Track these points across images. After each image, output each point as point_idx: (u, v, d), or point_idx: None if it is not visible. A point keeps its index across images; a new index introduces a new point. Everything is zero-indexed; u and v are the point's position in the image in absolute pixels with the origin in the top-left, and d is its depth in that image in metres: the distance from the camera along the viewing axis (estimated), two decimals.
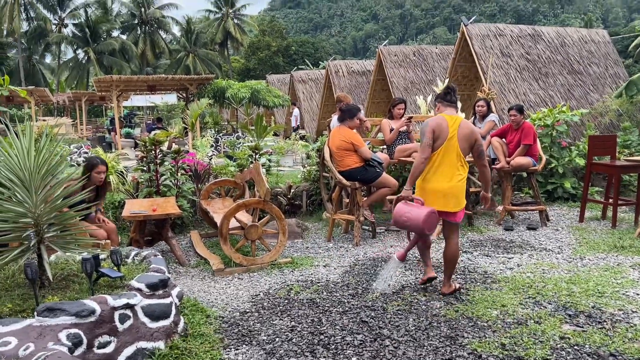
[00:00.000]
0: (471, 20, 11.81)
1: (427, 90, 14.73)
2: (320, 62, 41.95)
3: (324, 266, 5.15)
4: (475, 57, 11.15)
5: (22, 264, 3.16)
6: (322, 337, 3.45)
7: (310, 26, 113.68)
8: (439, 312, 3.85)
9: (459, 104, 8.10)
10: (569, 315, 3.71)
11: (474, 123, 7.42)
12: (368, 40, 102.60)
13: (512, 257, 5.27)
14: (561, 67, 11.44)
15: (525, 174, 7.41)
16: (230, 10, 52.03)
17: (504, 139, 6.99)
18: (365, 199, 6.27)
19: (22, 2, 43.14)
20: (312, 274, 4.89)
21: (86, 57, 45.60)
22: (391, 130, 6.90)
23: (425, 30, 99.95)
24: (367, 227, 6.47)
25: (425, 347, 3.29)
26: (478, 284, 4.47)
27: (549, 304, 3.94)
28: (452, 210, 4.07)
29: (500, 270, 4.86)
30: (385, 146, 7.11)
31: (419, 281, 4.53)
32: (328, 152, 6.22)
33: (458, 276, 4.67)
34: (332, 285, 4.52)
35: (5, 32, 43.47)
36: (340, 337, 3.45)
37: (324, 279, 4.71)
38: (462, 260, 5.17)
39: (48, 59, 50.73)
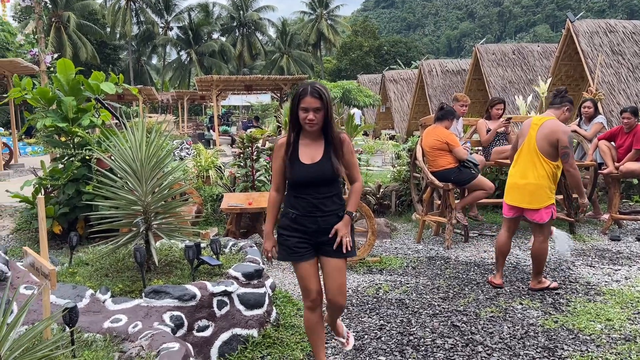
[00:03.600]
0: (578, 17, 11.10)
1: (527, 90, 14.04)
2: (412, 62, 41.36)
3: (413, 267, 5.07)
4: (582, 56, 10.47)
5: (132, 248, 3.42)
6: (411, 338, 3.41)
7: (404, 26, 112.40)
8: (536, 322, 3.66)
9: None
10: None
11: (579, 125, 6.97)
12: (463, 39, 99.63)
13: (619, 269, 4.89)
14: None
15: (636, 181, 6.83)
16: (324, 12, 52.77)
17: (612, 143, 6.50)
18: (458, 201, 6.10)
19: (134, 7, 46.55)
20: (401, 275, 4.84)
21: (188, 58, 48.34)
22: (488, 131, 6.65)
23: (525, 28, 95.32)
24: (459, 231, 6.29)
25: (520, 357, 3.14)
26: (580, 295, 4.19)
27: None
28: (528, 207, 4.15)
29: (606, 282, 4.52)
30: (480, 147, 6.87)
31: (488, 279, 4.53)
32: (420, 151, 6.12)
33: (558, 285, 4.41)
34: (422, 287, 4.44)
35: (118, 36, 47.15)
36: (430, 339, 3.38)
37: (413, 281, 4.65)
38: (562, 270, 4.88)
39: (154, 60, 54.31)
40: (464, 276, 4.76)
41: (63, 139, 5.92)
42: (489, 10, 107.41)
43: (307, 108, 2.56)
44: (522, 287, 4.40)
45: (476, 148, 7.06)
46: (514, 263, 5.15)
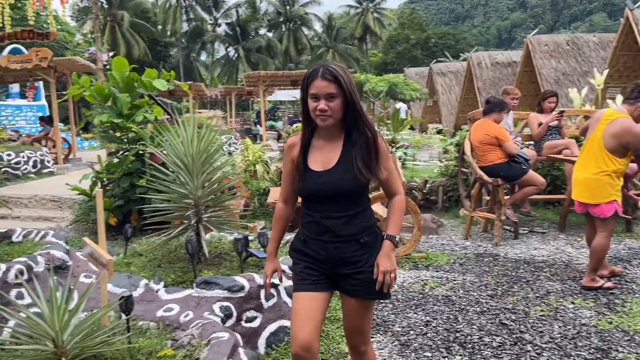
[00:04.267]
0: (638, 4, 10.56)
1: (582, 83, 13.51)
2: (460, 54, 40.48)
3: (460, 264, 5.01)
4: None
5: (184, 240, 3.53)
6: (458, 335, 3.38)
7: (452, 17, 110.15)
8: (588, 322, 3.55)
9: (619, 97, 7.35)
10: None
11: None
12: (514, 30, 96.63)
13: None
14: None
15: None
16: (371, 5, 52.38)
17: None
18: (507, 197, 5.96)
19: (184, 5, 47.66)
20: (447, 271, 4.79)
21: (236, 54, 49.10)
22: (540, 124, 6.46)
23: (580, 17, 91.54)
24: (508, 227, 6.15)
25: (572, 357, 3.05)
26: (637, 295, 4.03)
27: None
28: (587, 202, 4.08)
29: None
30: (532, 142, 6.68)
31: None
32: (469, 146, 6.01)
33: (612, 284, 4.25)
34: (469, 284, 4.38)
35: (169, 33, 48.41)
36: (477, 337, 3.34)
37: (460, 277, 4.59)
38: (619, 268, 4.69)
39: (203, 57, 55.43)
40: (513, 274, 4.65)
41: (118, 134, 6.16)
42: None
43: (317, 95, 1.97)
44: (574, 286, 4.27)
45: (527, 142, 6.87)
46: (566, 261, 5.00)
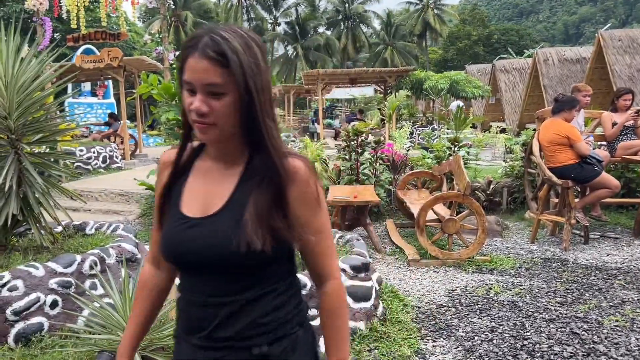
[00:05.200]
0: None
1: None
2: (524, 51, 39.07)
3: (526, 269, 4.81)
4: None
5: None
6: (525, 342, 3.24)
7: (515, 12, 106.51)
8: None
9: None
10: None
11: None
12: (582, 24, 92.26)
13: None
14: None
15: None
16: (431, 1, 51.42)
17: None
18: (578, 199, 5.67)
19: (245, 4, 48.63)
20: (513, 275, 4.61)
21: (295, 53, 49.56)
22: (614, 124, 6.11)
23: None
24: (578, 232, 5.86)
25: None
26: None
27: None
28: None
29: None
30: (605, 142, 6.33)
31: None
32: (537, 146, 5.77)
33: None
34: (537, 290, 4.20)
35: None
36: (546, 345, 3.19)
37: (526, 283, 4.41)
38: None
39: None
40: (584, 280, 4.42)
41: None
42: None
43: (191, 84, 1.11)
44: None
45: (599, 143, 6.52)
46: None
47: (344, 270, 3.33)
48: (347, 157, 7.18)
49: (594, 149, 5.78)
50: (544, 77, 17.70)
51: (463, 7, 62.95)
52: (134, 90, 12.18)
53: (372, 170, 7.11)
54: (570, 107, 5.51)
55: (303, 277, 3.08)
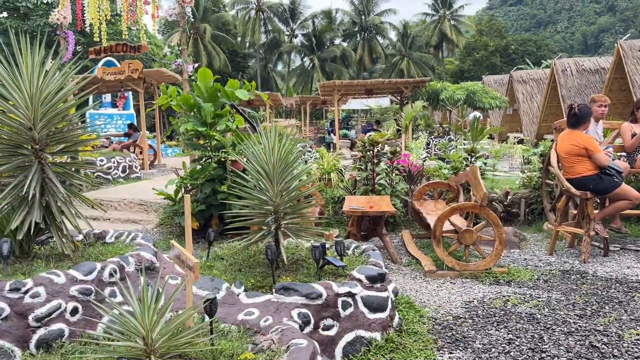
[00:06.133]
0: None
1: None
2: (542, 61, 38.82)
3: (544, 281, 4.76)
4: None
5: (263, 246, 3.61)
6: (544, 355, 3.20)
7: (533, 23, 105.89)
8: None
9: None
10: None
11: None
12: (601, 35, 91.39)
13: None
14: None
15: None
16: (447, 12, 51.47)
17: None
18: (597, 211, 5.60)
19: (262, 17, 49.16)
20: (531, 287, 4.56)
21: (311, 64, 49.89)
22: (634, 135, 6.04)
23: None
24: (597, 244, 5.78)
25: None
26: None
27: None
28: None
29: None
30: (624, 153, 6.26)
31: None
32: (555, 157, 5.72)
33: None
34: (555, 302, 4.15)
35: (247, 44, 50.08)
36: (565, 358, 3.15)
37: (544, 295, 4.36)
38: None
39: (279, 67, 56.80)
40: (604, 293, 4.36)
41: (202, 142, 6.42)
42: (632, 2, 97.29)
43: None
44: None
45: (619, 154, 6.44)
46: None
47: (359, 281, 3.34)
48: (363, 167, 7.20)
49: (613, 159, 5.72)
50: (562, 87, 17.55)
51: (480, 17, 62.81)
52: (153, 102, 12.37)
53: (388, 181, 7.11)
54: (586, 121, 5.48)
55: (319, 287, 3.10)
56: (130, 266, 3.30)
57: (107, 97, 19.76)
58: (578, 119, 5.49)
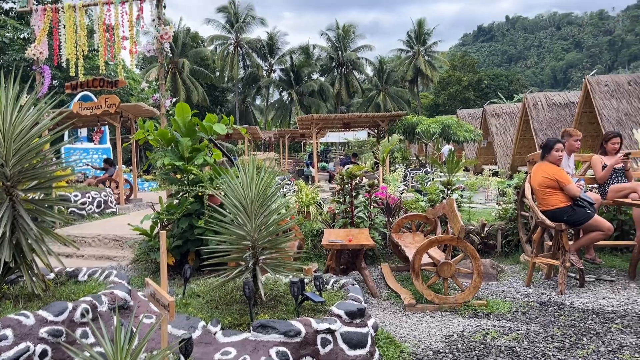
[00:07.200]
0: None
1: None
2: (514, 95, 39.94)
3: (523, 313, 4.77)
4: None
5: (241, 281, 3.55)
6: None
7: (504, 59, 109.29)
8: None
9: None
10: None
11: None
12: (569, 70, 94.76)
13: None
14: None
15: None
16: (422, 48, 52.82)
17: None
18: (572, 242, 5.69)
19: (241, 52, 49.73)
20: (509, 320, 4.57)
21: (289, 98, 50.39)
22: (604, 167, 6.21)
23: None
24: (573, 274, 5.85)
25: None
26: None
27: None
28: None
29: None
30: (596, 185, 6.41)
31: None
32: (529, 189, 5.83)
33: None
34: (534, 335, 4.16)
35: (226, 79, 50.46)
36: None
37: (523, 327, 4.37)
38: None
39: (258, 101, 57.21)
40: (581, 325, 4.39)
41: (179, 176, 6.37)
42: (598, 39, 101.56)
43: None
44: None
45: (590, 186, 6.60)
46: (639, 312, 4.68)
47: (339, 316, 3.30)
48: (341, 200, 7.21)
49: (585, 191, 5.85)
50: (534, 121, 18.04)
51: (453, 53, 64.63)
52: (130, 136, 12.29)
53: (366, 214, 7.12)
54: (548, 150, 5.64)
55: (297, 324, 3.05)
56: (104, 305, 3.21)
57: (84, 132, 19.58)
58: (543, 149, 5.68)
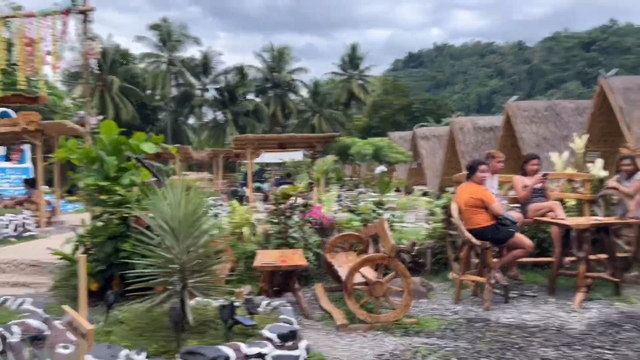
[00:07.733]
0: (610, 74, 11.06)
1: (562, 147, 13.84)
2: (442, 119, 41.61)
3: (452, 330, 4.89)
4: (617, 112, 10.34)
5: (168, 307, 3.41)
6: None
7: (433, 84, 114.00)
8: None
9: (599, 161, 7.55)
10: None
11: (619, 181, 6.80)
12: (493, 96, 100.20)
13: None
14: None
15: None
16: (355, 72, 54.13)
17: None
18: (496, 260, 5.93)
19: (173, 70, 48.85)
20: (439, 337, 4.66)
21: (224, 118, 49.89)
22: (524, 187, 6.55)
23: (555, 85, 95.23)
24: (498, 291, 6.07)
25: None
26: None
27: None
28: None
29: None
30: (518, 204, 6.74)
31: None
32: (456, 209, 6.03)
33: None
34: (462, 351, 4.26)
35: (158, 97, 49.31)
36: None
37: (452, 344, 4.47)
38: (610, 333, 4.62)
39: (191, 120, 56.18)
40: (506, 340, 4.55)
41: (104, 197, 6.09)
42: (518, 67, 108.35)
43: None
44: (569, 353, 4.17)
45: (512, 205, 6.93)
46: (558, 326, 4.91)
47: (270, 340, 3.23)
48: (275, 220, 7.15)
49: (507, 210, 6.13)
50: (460, 143, 18.84)
51: (385, 78, 66.57)
52: (51, 155, 11.65)
53: (301, 234, 7.10)
54: (473, 171, 5.91)
55: (227, 350, 2.96)
56: (15, 336, 2.97)
57: (1, 150, 18.38)
58: (468, 170, 5.94)
